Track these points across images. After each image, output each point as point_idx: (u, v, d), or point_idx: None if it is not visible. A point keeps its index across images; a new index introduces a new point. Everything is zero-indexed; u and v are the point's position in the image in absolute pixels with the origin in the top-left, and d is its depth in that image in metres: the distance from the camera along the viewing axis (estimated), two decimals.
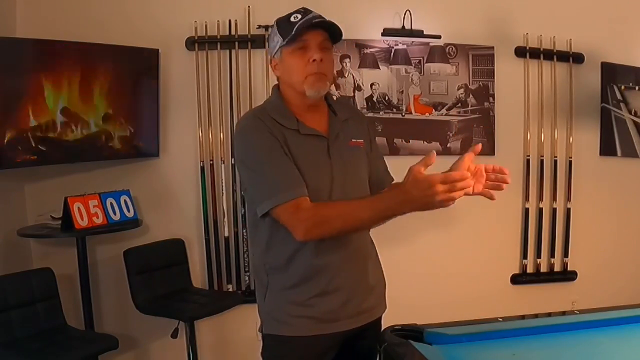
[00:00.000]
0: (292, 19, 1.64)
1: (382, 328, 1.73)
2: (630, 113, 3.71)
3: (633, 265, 3.80)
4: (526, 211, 3.68)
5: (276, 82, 1.78)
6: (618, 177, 3.78)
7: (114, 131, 3.10)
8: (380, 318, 1.82)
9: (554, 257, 3.73)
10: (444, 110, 3.54)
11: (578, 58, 3.65)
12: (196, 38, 3.27)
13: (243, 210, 3.25)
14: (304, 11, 1.65)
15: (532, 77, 3.62)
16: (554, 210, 3.70)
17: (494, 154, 3.58)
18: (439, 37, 3.46)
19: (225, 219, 3.34)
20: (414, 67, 3.50)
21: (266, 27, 3.28)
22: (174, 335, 3.02)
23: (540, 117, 3.64)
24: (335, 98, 1.96)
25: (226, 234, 3.35)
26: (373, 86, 3.46)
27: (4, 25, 3.00)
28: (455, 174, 1.37)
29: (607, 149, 3.73)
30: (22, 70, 2.79)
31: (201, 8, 3.28)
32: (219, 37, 3.28)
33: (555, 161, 3.68)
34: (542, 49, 3.59)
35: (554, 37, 3.59)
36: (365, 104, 3.44)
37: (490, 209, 3.64)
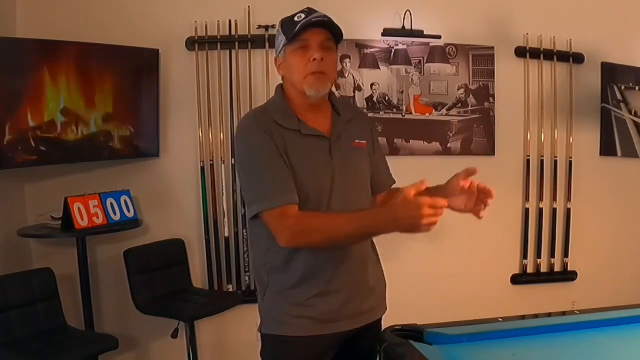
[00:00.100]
0: (295, 18, 1.65)
1: (382, 328, 1.73)
2: (630, 113, 3.71)
3: (633, 265, 3.80)
4: (526, 211, 3.68)
5: (280, 82, 1.78)
6: (618, 177, 3.78)
7: (114, 131, 3.10)
8: (380, 319, 1.82)
9: (554, 257, 3.73)
10: (444, 110, 3.54)
11: (578, 58, 3.65)
12: (196, 38, 3.27)
13: (243, 210, 3.25)
14: (308, 11, 1.66)
15: (532, 77, 3.62)
16: (554, 210, 3.70)
17: (494, 154, 3.59)
18: (439, 37, 3.46)
19: (225, 219, 3.34)
20: (414, 67, 3.50)
21: (266, 27, 3.28)
22: (174, 335, 3.02)
23: (540, 117, 3.64)
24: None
25: (226, 234, 3.35)
26: (373, 86, 3.46)
27: (4, 25, 3.00)
28: (443, 201, 1.42)
29: (607, 149, 3.73)
30: (22, 70, 2.79)
31: (201, 8, 3.28)
32: (219, 37, 3.28)
33: (555, 161, 3.68)
34: (542, 49, 3.59)
35: (554, 37, 3.59)
36: (365, 104, 3.44)
37: (490, 209, 3.65)
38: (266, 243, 1.68)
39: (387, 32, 3.43)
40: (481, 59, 3.56)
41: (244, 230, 3.30)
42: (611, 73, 3.67)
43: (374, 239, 1.83)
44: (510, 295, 3.69)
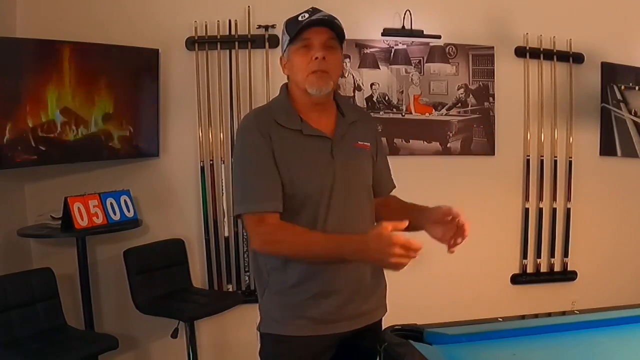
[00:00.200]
0: (300, 17, 1.66)
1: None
2: (630, 113, 3.71)
3: (633, 265, 3.80)
4: (526, 211, 3.68)
5: (285, 81, 1.78)
6: (618, 177, 3.78)
7: (114, 131, 3.10)
8: (380, 320, 1.81)
9: (554, 257, 3.73)
10: (444, 110, 3.54)
11: (578, 58, 3.65)
12: (196, 38, 3.27)
13: None
14: (312, 10, 1.66)
15: (532, 77, 3.62)
16: (554, 210, 3.70)
17: (494, 154, 3.58)
18: (439, 37, 3.46)
19: (225, 219, 3.34)
20: (414, 67, 3.50)
21: (266, 27, 3.28)
22: (174, 335, 3.02)
23: (540, 117, 3.64)
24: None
25: (226, 234, 3.35)
26: (373, 86, 3.47)
27: (4, 25, 3.00)
28: (417, 244, 1.43)
29: (607, 149, 3.73)
30: (22, 70, 2.79)
31: (201, 8, 3.28)
32: (219, 37, 3.28)
33: (555, 161, 3.68)
34: (542, 49, 3.59)
35: (554, 37, 3.59)
36: (365, 104, 3.44)
37: (490, 209, 3.66)
38: None
39: (387, 32, 3.43)
40: (481, 59, 3.56)
41: (244, 230, 3.30)
42: (611, 73, 3.67)
43: None
44: (510, 295, 3.69)
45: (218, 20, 3.27)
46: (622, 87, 3.69)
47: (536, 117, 3.64)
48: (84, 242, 2.94)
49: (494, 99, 3.59)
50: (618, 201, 3.79)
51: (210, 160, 3.32)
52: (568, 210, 3.70)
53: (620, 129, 3.72)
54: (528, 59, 3.59)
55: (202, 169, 3.32)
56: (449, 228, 1.66)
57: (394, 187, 1.92)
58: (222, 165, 3.33)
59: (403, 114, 3.50)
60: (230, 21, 3.29)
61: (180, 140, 3.35)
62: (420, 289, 3.47)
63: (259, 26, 3.30)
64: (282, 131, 1.66)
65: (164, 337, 3.14)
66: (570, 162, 3.67)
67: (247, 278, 3.37)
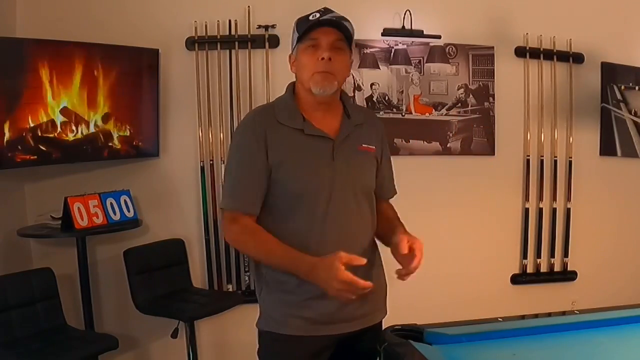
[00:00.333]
0: (310, 17, 1.66)
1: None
2: (630, 113, 3.71)
3: (633, 265, 3.80)
4: (526, 211, 3.68)
5: (292, 80, 1.78)
6: (618, 177, 3.78)
7: (114, 131, 3.10)
8: (380, 322, 1.80)
9: (554, 257, 3.73)
10: (444, 110, 3.54)
11: (578, 58, 3.65)
12: (196, 38, 3.27)
13: None
14: (324, 10, 1.66)
15: (532, 77, 3.62)
16: (554, 210, 3.70)
17: (494, 154, 3.58)
18: (439, 37, 3.46)
19: None
20: (414, 67, 3.50)
21: (266, 27, 3.28)
22: (174, 335, 3.02)
23: (540, 117, 3.64)
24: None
25: None
26: (373, 86, 3.46)
27: (4, 25, 3.00)
28: (364, 284, 1.47)
29: (607, 149, 3.73)
30: (22, 70, 2.78)
31: (201, 8, 3.28)
32: (219, 37, 3.28)
33: (555, 161, 3.68)
34: (542, 49, 3.59)
35: (554, 37, 3.59)
36: (365, 104, 3.44)
37: (490, 209, 3.66)
38: None
39: (387, 32, 3.43)
40: (481, 59, 3.56)
41: None
42: (611, 73, 3.67)
43: (377, 241, 1.82)
44: (510, 295, 3.69)
45: (218, 20, 3.27)
46: (622, 87, 3.69)
47: (536, 117, 3.64)
48: (84, 242, 2.94)
49: (494, 99, 3.59)
50: (618, 201, 3.78)
51: (210, 160, 3.32)
52: (568, 210, 3.70)
53: (620, 129, 3.72)
54: (528, 59, 3.59)
55: (202, 169, 3.32)
56: (407, 258, 1.64)
57: (395, 193, 1.91)
58: (222, 165, 3.32)
59: (403, 114, 3.50)
60: (230, 21, 3.29)
61: (180, 140, 3.35)
62: (420, 289, 3.45)
63: (259, 26, 3.30)
64: (283, 130, 1.66)
65: (164, 337, 3.14)
66: (570, 162, 3.67)
67: (247, 278, 3.37)
